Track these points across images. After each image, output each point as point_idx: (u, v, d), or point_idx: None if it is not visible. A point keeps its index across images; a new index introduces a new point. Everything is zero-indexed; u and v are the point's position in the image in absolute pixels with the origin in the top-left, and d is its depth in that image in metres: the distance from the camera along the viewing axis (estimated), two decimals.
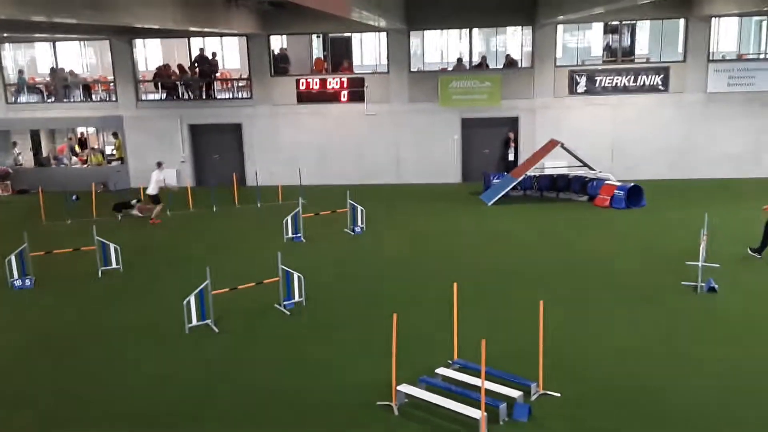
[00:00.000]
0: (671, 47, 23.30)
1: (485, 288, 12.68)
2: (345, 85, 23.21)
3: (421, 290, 12.69)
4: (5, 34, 22.59)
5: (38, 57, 26.68)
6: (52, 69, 24.98)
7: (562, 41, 23.59)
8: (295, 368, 9.66)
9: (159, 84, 24.53)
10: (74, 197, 21.63)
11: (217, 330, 11.00)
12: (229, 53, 26.83)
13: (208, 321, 11.14)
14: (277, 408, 8.60)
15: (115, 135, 24.75)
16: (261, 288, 11.93)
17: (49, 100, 24.79)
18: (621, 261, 14.14)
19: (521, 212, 18.95)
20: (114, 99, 24.33)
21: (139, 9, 15.07)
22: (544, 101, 22.83)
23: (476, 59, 23.59)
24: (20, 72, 25.07)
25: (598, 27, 24.62)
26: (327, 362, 9.82)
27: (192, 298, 10.98)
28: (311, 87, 23.35)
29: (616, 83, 22.46)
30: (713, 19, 21.91)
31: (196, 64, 24.09)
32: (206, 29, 19.46)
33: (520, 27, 23.51)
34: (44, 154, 25.50)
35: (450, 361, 9.40)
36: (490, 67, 23.78)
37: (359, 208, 17.09)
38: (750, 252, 13.99)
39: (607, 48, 23.82)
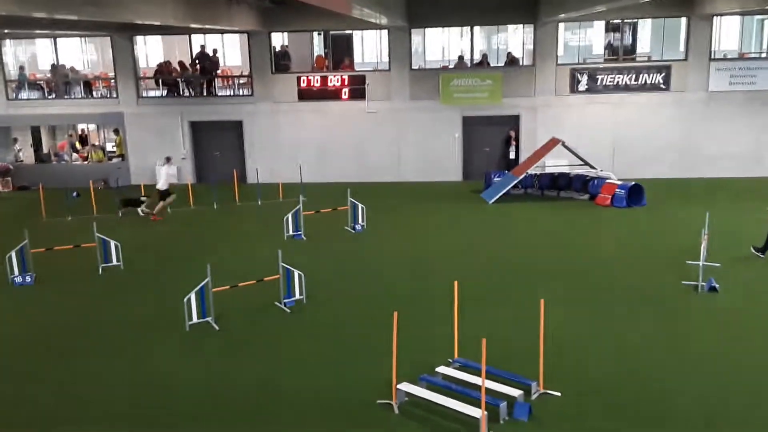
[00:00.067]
0: (673, 46, 23.27)
1: (486, 286, 12.68)
2: (346, 83, 23.18)
3: (421, 288, 12.68)
4: (6, 31, 22.57)
5: (39, 53, 26.65)
6: (53, 65, 24.96)
7: (563, 39, 23.56)
8: (295, 366, 9.65)
9: (160, 81, 24.51)
10: (75, 194, 21.62)
11: (217, 327, 11.00)
12: (230, 50, 26.77)
13: (209, 318, 11.13)
14: (277, 406, 8.60)
15: (116, 132, 24.74)
16: (261, 285, 11.93)
17: (49, 97, 24.78)
18: (622, 260, 14.12)
19: (522, 211, 18.93)
20: (115, 96, 24.32)
21: (140, 5, 15.06)
22: (545, 99, 22.80)
23: (477, 57, 23.55)
24: (21, 68, 25.07)
25: (599, 25, 24.58)
26: (327, 360, 9.81)
27: (192, 296, 10.98)
28: (312, 84, 23.33)
29: (618, 82, 22.43)
30: (715, 17, 21.89)
31: (197, 61, 24.07)
32: (207, 26, 19.44)
33: (521, 25, 23.49)
34: (45, 150, 25.49)
35: (450, 360, 9.39)
36: (492, 65, 23.75)
37: (360, 206, 17.08)
38: (753, 251, 13.98)
39: (609, 46, 23.79)
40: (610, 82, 22.45)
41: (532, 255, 14.66)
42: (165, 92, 24.47)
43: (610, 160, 22.21)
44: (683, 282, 12.46)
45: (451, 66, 23.77)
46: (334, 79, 23.22)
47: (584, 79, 22.54)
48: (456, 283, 9.36)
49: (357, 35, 25.42)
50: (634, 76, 22.36)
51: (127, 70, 23.98)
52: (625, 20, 22.78)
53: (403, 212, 19.10)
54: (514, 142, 23.03)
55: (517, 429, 7.89)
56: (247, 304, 11.88)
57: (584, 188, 20.04)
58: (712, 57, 22.15)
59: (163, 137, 24.04)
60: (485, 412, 7.65)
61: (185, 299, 10.96)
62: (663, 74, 22.26)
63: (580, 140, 20.97)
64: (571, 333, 10.45)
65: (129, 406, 8.72)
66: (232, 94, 24.56)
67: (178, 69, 24.49)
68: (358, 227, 17.01)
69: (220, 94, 24.50)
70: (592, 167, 20.17)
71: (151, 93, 24.71)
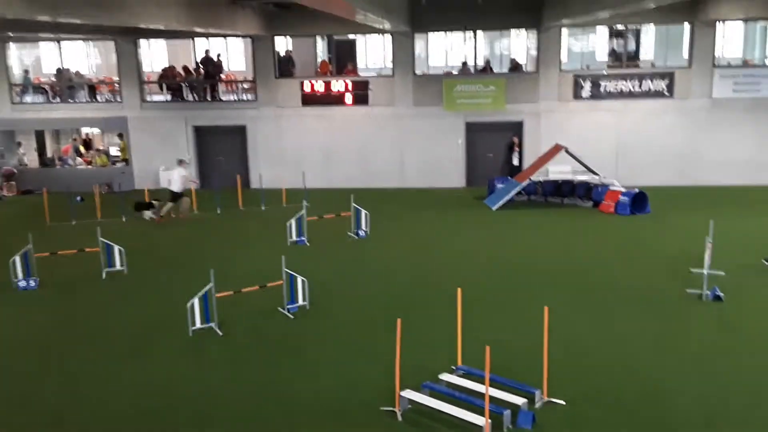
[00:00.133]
0: (676, 52, 23.27)
1: (489, 293, 12.66)
2: (349, 88, 23.21)
3: (424, 295, 12.67)
4: (11, 34, 22.65)
5: (43, 57, 26.74)
6: (57, 69, 25.03)
7: (567, 45, 23.57)
8: (298, 373, 9.64)
9: (164, 85, 24.56)
10: (78, 198, 21.65)
11: (220, 333, 10.99)
12: (233, 55, 26.87)
13: (212, 324, 11.12)
14: (279, 412, 8.58)
15: (120, 136, 24.78)
16: (265, 291, 11.92)
17: (54, 101, 24.85)
18: (625, 267, 14.10)
19: (525, 217, 18.92)
20: (119, 100, 24.37)
21: (145, 9, 15.10)
22: (548, 106, 22.81)
23: (481, 63, 23.58)
24: (25, 72, 25.15)
25: (603, 31, 24.61)
26: (330, 366, 9.79)
27: (196, 301, 10.97)
28: (316, 89, 23.36)
29: (621, 88, 22.43)
30: (718, 24, 21.89)
31: (201, 66, 24.12)
32: (211, 30, 19.50)
33: (525, 31, 23.50)
34: (49, 154, 25.56)
35: (454, 367, 9.37)
36: (495, 71, 23.78)
37: (363, 211, 17.08)
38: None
39: (612, 53, 23.80)
40: (613, 88, 22.45)
41: (536, 262, 14.63)
42: (169, 97, 24.51)
43: (614, 166, 22.19)
44: (687, 290, 12.43)
45: (455, 72, 23.78)
46: (337, 84, 23.25)
47: (587, 86, 22.54)
48: (459, 289, 9.35)
49: (360, 40, 25.49)
50: (637, 82, 22.36)
51: (131, 75, 24.04)
52: (629, 26, 22.79)
53: (406, 218, 19.09)
54: (517, 149, 22.98)
55: None
56: (251, 309, 11.87)
57: (588, 195, 20.02)
58: (716, 64, 22.14)
59: (166, 142, 24.08)
60: (489, 420, 7.63)
61: (188, 304, 10.96)
62: (666, 81, 22.26)
63: (583, 147, 20.96)
64: (575, 341, 10.42)
65: (132, 410, 8.71)
66: (235, 98, 24.61)
67: (182, 73, 24.54)
68: (361, 233, 17.01)
69: (223, 98, 24.54)
70: (596, 174, 20.14)
71: (155, 97, 24.76)
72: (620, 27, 22.93)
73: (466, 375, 9.10)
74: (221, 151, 24.38)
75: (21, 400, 9.12)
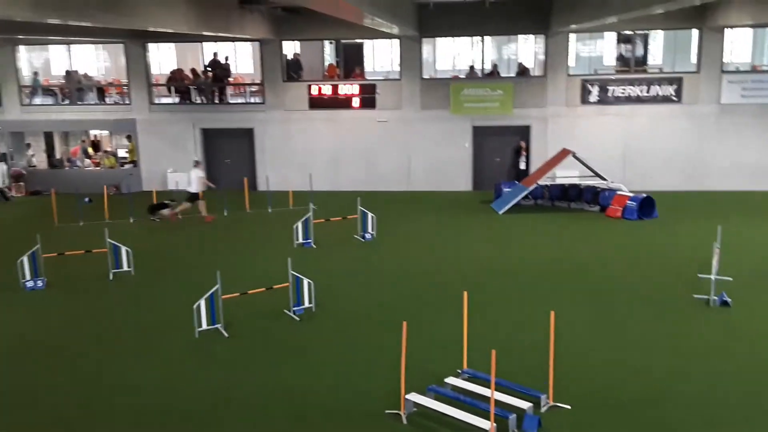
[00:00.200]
0: (684, 58, 23.22)
1: (495, 297, 12.64)
2: (357, 92, 23.25)
3: (430, 298, 12.66)
4: (21, 36, 22.79)
5: (53, 59, 26.88)
6: (66, 72, 25.16)
7: (574, 50, 23.54)
8: (303, 375, 9.65)
9: (172, 88, 24.66)
10: (87, 199, 21.75)
11: (226, 335, 11.01)
12: (242, 58, 26.95)
13: (218, 325, 11.15)
14: (284, 414, 8.59)
15: (128, 138, 24.88)
16: (271, 293, 11.95)
17: (63, 103, 24.97)
18: (632, 273, 14.06)
19: (532, 222, 18.89)
20: (127, 102, 24.47)
21: (154, 13, 15.15)
22: (556, 110, 22.78)
23: (488, 67, 23.58)
24: (35, 74, 25.28)
25: (611, 36, 24.58)
26: (335, 369, 9.80)
27: (202, 303, 11.00)
28: (323, 93, 23.40)
29: (629, 93, 22.39)
30: (727, 29, 21.83)
31: (209, 69, 24.21)
32: (219, 34, 19.55)
33: (532, 35, 23.50)
34: (57, 156, 25.67)
35: (459, 371, 9.36)
36: (502, 75, 23.77)
37: (370, 214, 17.09)
38: None
39: (620, 58, 23.76)
40: (621, 93, 22.41)
41: (542, 266, 14.61)
42: (177, 99, 24.61)
43: (621, 171, 22.15)
44: (695, 296, 12.39)
45: (462, 76, 23.80)
46: (345, 88, 23.29)
47: (595, 90, 22.51)
48: (465, 293, 9.35)
49: (368, 44, 25.52)
50: (645, 87, 22.31)
51: (139, 77, 24.14)
52: (637, 32, 22.77)
53: (412, 221, 19.09)
54: (524, 153, 22.99)
55: None
56: (257, 311, 11.90)
57: (595, 200, 19.97)
58: (724, 69, 22.08)
59: (174, 144, 24.17)
60: (494, 424, 7.62)
61: (195, 306, 10.99)
62: (674, 86, 22.20)
63: (590, 151, 20.92)
64: (581, 345, 10.40)
65: (137, 410, 8.74)
66: (243, 101, 24.69)
67: (191, 76, 24.63)
68: (367, 236, 17.02)
69: (231, 101, 24.62)
70: (603, 179, 20.10)
71: (164, 100, 24.86)
72: (628, 32, 22.91)
73: (472, 378, 9.09)
74: (229, 153, 24.44)
75: (28, 399, 9.15)
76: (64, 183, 23.23)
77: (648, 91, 22.31)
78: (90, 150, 25.66)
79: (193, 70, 24.63)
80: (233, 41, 24.10)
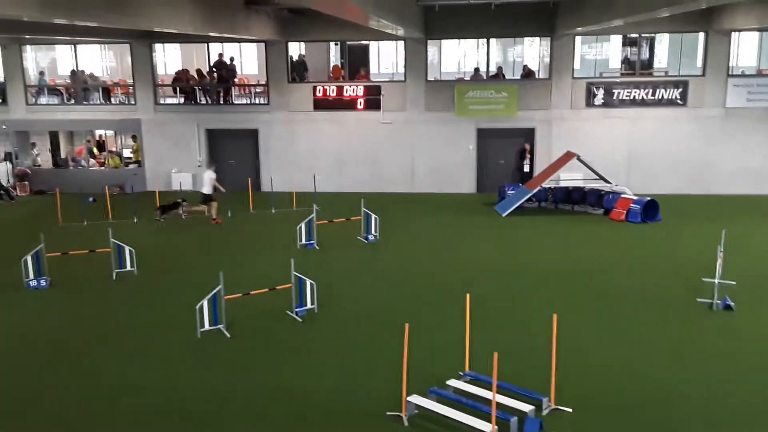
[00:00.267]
0: (690, 61, 23.17)
1: (498, 299, 12.62)
2: (362, 93, 23.26)
3: (433, 300, 12.65)
4: (27, 36, 22.86)
5: (59, 59, 26.95)
6: (72, 71, 25.22)
7: (580, 53, 23.52)
8: (305, 376, 9.65)
9: (177, 88, 24.71)
10: (91, 199, 21.79)
11: (228, 335, 11.02)
12: (247, 59, 26.98)
13: (220, 326, 11.16)
14: (285, 415, 8.59)
15: (134, 138, 24.94)
16: (273, 294, 11.95)
17: (68, 103, 25.03)
18: (635, 276, 14.02)
19: (536, 224, 18.86)
20: (133, 102, 24.53)
21: (160, 13, 15.18)
22: (560, 113, 22.76)
23: (493, 69, 23.56)
24: (41, 74, 25.37)
25: (616, 39, 24.54)
26: (337, 370, 9.80)
27: (205, 303, 11.01)
28: (328, 94, 23.42)
29: (634, 96, 22.35)
30: (733, 33, 21.79)
31: (214, 69, 24.25)
32: (225, 34, 19.58)
33: (538, 38, 23.48)
34: (62, 155, 25.74)
35: (461, 373, 9.35)
36: (507, 77, 23.75)
37: (373, 216, 17.09)
38: None
39: (626, 61, 23.73)
40: (626, 96, 22.38)
41: (545, 269, 14.58)
42: (182, 100, 24.67)
43: (626, 174, 22.11)
44: (698, 299, 12.35)
45: (467, 78, 23.78)
46: (349, 89, 23.31)
47: (600, 93, 22.48)
48: (468, 295, 9.34)
49: (373, 46, 25.52)
50: (650, 91, 22.27)
51: (145, 77, 24.19)
52: (643, 35, 22.72)
53: (416, 223, 19.08)
54: (528, 155, 22.96)
55: None
56: (259, 312, 11.90)
57: (599, 203, 19.94)
58: (730, 73, 22.03)
59: (179, 144, 24.22)
60: (495, 427, 7.60)
61: (197, 306, 11.00)
62: (680, 89, 22.16)
63: (595, 154, 20.89)
64: (584, 348, 10.37)
65: (139, 410, 8.75)
66: (248, 102, 24.72)
67: (196, 77, 24.68)
68: (371, 237, 17.02)
69: (236, 102, 24.66)
70: (607, 182, 20.07)
71: (169, 100, 24.91)
72: (634, 35, 22.87)
73: (474, 381, 9.07)
74: (233, 154, 24.46)
75: (29, 398, 9.17)
76: (69, 183, 23.30)
77: (653, 95, 22.27)
78: (95, 150, 25.72)
79: (199, 71, 24.68)
80: (239, 42, 24.15)
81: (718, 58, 21.89)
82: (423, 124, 23.29)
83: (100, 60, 27.49)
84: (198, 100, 24.53)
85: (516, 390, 8.66)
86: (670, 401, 8.75)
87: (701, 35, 22.16)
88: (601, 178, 20.07)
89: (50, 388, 9.44)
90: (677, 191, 22.18)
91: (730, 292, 12.24)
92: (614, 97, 22.42)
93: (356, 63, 24.20)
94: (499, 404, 7.87)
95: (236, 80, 24.93)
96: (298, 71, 24.02)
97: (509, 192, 20.82)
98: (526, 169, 22.96)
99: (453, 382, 9.01)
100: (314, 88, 23.49)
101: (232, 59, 24.46)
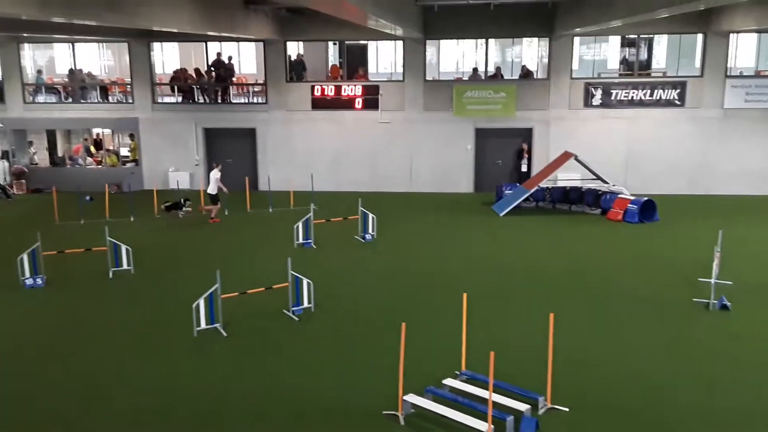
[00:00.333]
0: (688, 62, 23.20)
1: (495, 299, 12.62)
2: (360, 93, 23.25)
3: (430, 299, 12.64)
4: (25, 34, 22.82)
5: (57, 58, 26.93)
6: (70, 70, 25.19)
7: (578, 53, 23.54)
8: (301, 375, 9.63)
9: (175, 87, 24.68)
10: (88, 198, 21.77)
11: (225, 334, 11.00)
12: (245, 58, 26.95)
13: (217, 325, 11.14)
14: (282, 414, 8.57)
15: (131, 137, 24.91)
16: (270, 293, 11.94)
17: (66, 101, 24.99)
18: (633, 275, 14.03)
19: (533, 224, 18.86)
20: (130, 101, 24.50)
21: (158, 12, 15.16)
22: (558, 113, 22.77)
23: (492, 69, 23.56)
24: (39, 72, 25.32)
25: (615, 40, 24.55)
26: (334, 369, 9.79)
27: (201, 302, 10.99)
28: (326, 93, 23.42)
29: (632, 97, 22.37)
30: (732, 34, 21.81)
31: (212, 69, 24.23)
32: (224, 34, 19.57)
33: (536, 38, 23.49)
34: (59, 154, 25.70)
35: (458, 372, 9.34)
36: (506, 77, 23.75)
37: (370, 215, 17.08)
38: None
39: (624, 61, 23.74)
40: (624, 97, 22.39)
41: (542, 268, 14.59)
42: (180, 98, 24.63)
43: (623, 175, 22.13)
44: (694, 299, 12.35)
45: (465, 78, 23.78)
46: (348, 89, 23.30)
47: (598, 94, 22.49)
48: (465, 295, 9.33)
49: (372, 45, 25.50)
50: (649, 91, 22.29)
51: (143, 76, 24.17)
52: (641, 36, 22.72)
53: (413, 223, 19.07)
54: (526, 155, 22.98)
55: None
56: (256, 311, 11.88)
57: (596, 203, 19.95)
58: (728, 74, 22.05)
59: (176, 143, 24.20)
60: (492, 426, 7.60)
61: (194, 305, 10.98)
62: (678, 90, 22.19)
63: (593, 154, 20.90)
64: (580, 347, 10.37)
65: (135, 409, 8.73)
66: (246, 101, 24.70)
67: (194, 76, 24.65)
68: (368, 237, 17.01)
69: (234, 101, 24.64)
70: (605, 182, 20.08)
71: (167, 99, 24.88)
72: (632, 36, 22.88)
73: (470, 380, 9.07)
74: (231, 153, 24.43)
75: (26, 398, 9.14)
76: (66, 181, 23.24)
77: (651, 95, 22.29)
78: (92, 148, 25.68)
79: (197, 70, 24.66)
80: (237, 41, 24.13)
81: (717, 59, 21.92)
82: (421, 123, 23.29)
83: (98, 58, 27.45)
84: (196, 99, 24.51)
85: (512, 389, 8.66)
86: (666, 400, 8.75)
87: (700, 36, 22.19)
88: (599, 178, 20.08)
89: (46, 386, 9.41)
90: (675, 191, 22.21)
91: (727, 292, 12.25)
92: (612, 98, 22.44)
93: (355, 63, 24.19)
94: (495, 403, 7.87)
95: (234, 79, 24.90)
96: (297, 71, 24.01)
97: (507, 192, 20.83)
98: (524, 168, 22.99)
99: (449, 381, 9.00)
100: (312, 87, 23.48)
101: (230, 58, 24.44)
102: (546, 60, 22.92)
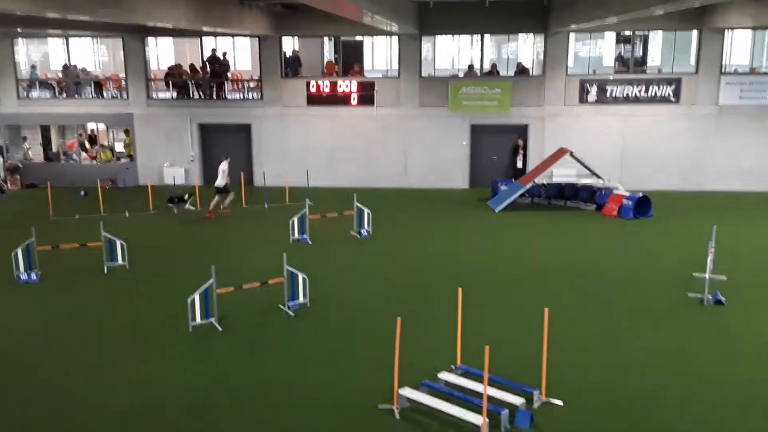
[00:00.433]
0: (683, 59, 23.24)
1: (490, 294, 12.64)
2: (355, 89, 23.23)
3: (425, 294, 12.66)
4: (19, 30, 22.74)
5: (51, 53, 26.84)
6: (64, 65, 25.11)
7: (574, 50, 23.56)
8: (297, 370, 9.63)
9: (170, 83, 24.61)
10: (82, 193, 21.71)
11: (220, 329, 10.99)
12: (240, 54, 26.91)
13: (212, 320, 11.13)
14: (277, 409, 8.57)
15: (126, 132, 24.85)
16: (266, 288, 11.92)
17: (60, 96, 24.92)
18: (627, 270, 14.07)
19: (528, 220, 18.90)
20: (125, 97, 24.43)
21: (153, 8, 15.14)
22: (554, 109, 22.80)
23: (487, 66, 23.57)
24: (33, 67, 25.23)
25: (610, 37, 24.59)
26: (329, 364, 9.79)
27: (196, 297, 10.98)
28: (321, 89, 23.39)
29: (627, 93, 22.41)
30: (727, 31, 21.86)
31: (207, 64, 24.17)
32: (219, 29, 19.54)
33: (532, 35, 23.51)
34: (54, 149, 25.62)
35: (453, 366, 9.36)
36: (501, 74, 23.77)
37: (366, 211, 17.08)
38: None
39: (619, 58, 23.77)
40: (619, 93, 22.43)
41: (537, 264, 14.62)
42: (175, 94, 24.57)
43: (618, 171, 22.18)
44: (689, 294, 12.40)
45: (461, 74, 23.78)
46: (343, 85, 23.28)
47: (594, 90, 22.53)
48: (460, 290, 9.35)
49: (367, 41, 25.50)
50: (644, 88, 22.34)
51: (137, 72, 24.10)
52: (636, 32, 22.77)
53: (409, 218, 19.09)
54: (521, 151, 23.01)
55: None
56: (251, 306, 11.87)
57: (591, 199, 20.00)
58: (723, 71, 22.11)
59: (171, 139, 24.15)
60: (487, 420, 7.62)
61: (189, 300, 10.97)
62: (673, 87, 22.24)
63: (588, 151, 20.93)
64: (575, 343, 10.40)
65: (129, 405, 8.71)
66: (241, 97, 24.66)
67: (189, 71, 24.59)
68: (363, 232, 17.01)
69: (229, 97, 24.59)
70: (600, 178, 20.12)
71: (161, 95, 24.81)
72: (628, 33, 22.91)
73: (465, 374, 9.08)
74: (226, 149, 24.31)
75: (19, 394, 9.12)
76: (60, 176, 23.18)
77: (646, 92, 22.34)
78: (87, 144, 25.60)
79: (192, 66, 24.60)
80: (232, 37, 24.07)
81: (712, 56, 21.97)
82: (417, 119, 23.29)
83: (92, 54, 27.36)
84: (191, 95, 24.45)
85: (507, 383, 8.68)
86: (660, 395, 8.78)
87: (695, 33, 22.24)
88: (594, 174, 20.11)
89: (40, 382, 9.39)
90: (670, 188, 22.28)
91: (721, 287, 12.30)
92: (607, 94, 22.48)
93: (350, 58, 24.17)
94: (490, 397, 7.89)
95: (229, 75, 24.85)
96: (292, 67, 23.97)
97: (502, 188, 20.86)
98: (519, 165, 23.01)
99: (444, 375, 9.02)
100: (308, 83, 23.46)
101: (225, 54, 24.38)
102: (541, 56, 22.93)
